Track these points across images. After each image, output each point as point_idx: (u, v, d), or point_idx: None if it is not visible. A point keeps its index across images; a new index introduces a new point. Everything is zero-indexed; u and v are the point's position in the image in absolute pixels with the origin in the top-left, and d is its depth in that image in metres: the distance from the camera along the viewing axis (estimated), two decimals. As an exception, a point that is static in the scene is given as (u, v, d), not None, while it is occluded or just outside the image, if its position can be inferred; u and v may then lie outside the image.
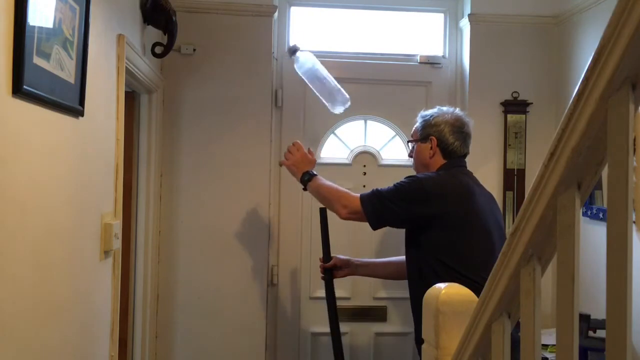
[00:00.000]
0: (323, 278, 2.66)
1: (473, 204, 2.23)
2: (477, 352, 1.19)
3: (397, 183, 2.31)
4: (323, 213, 2.63)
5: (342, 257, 2.70)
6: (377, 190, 2.33)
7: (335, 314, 2.56)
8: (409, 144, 2.51)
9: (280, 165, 2.70)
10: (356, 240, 3.28)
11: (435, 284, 1.49)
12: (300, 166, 2.58)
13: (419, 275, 2.26)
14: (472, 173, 2.44)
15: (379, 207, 2.29)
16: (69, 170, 1.65)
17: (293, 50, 2.90)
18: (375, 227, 2.35)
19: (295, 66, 2.90)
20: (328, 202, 2.48)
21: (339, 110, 2.82)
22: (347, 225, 3.34)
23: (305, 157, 2.59)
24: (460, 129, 2.35)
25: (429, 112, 2.43)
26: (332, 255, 2.68)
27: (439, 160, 2.36)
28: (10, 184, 1.27)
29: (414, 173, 3.32)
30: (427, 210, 2.22)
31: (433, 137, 2.35)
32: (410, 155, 2.52)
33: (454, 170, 2.34)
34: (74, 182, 1.69)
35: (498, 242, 2.24)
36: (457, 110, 2.43)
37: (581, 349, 2.31)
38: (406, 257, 2.40)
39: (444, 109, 2.42)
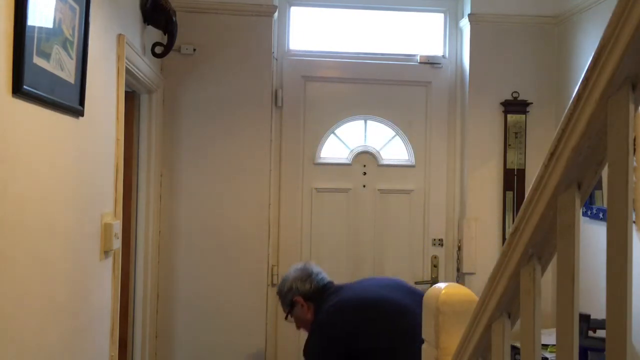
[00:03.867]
0: None
1: (355, 313, 2.29)
2: (477, 352, 1.19)
3: None
4: None
5: None
6: None
7: None
8: (288, 318, 2.58)
9: None
10: (355, 230, 3.28)
11: None
12: None
13: None
14: (336, 290, 2.46)
15: None
16: (69, 170, 1.65)
17: None
18: None
19: None
20: None
21: None
22: (346, 217, 3.35)
23: None
24: (307, 275, 2.52)
25: (278, 286, 2.61)
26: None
27: (312, 308, 2.48)
28: (10, 184, 1.27)
29: (413, 173, 3.36)
30: (341, 351, 2.24)
31: (296, 299, 2.49)
32: (298, 328, 2.59)
33: (321, 309, 2.38)
34: (74, 182, 1.69)
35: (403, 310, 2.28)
36: (295, 265, 2.61)
37: (581, 349, 2.30)
38: None
39: (286, 274, 2.59)
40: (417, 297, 2.31)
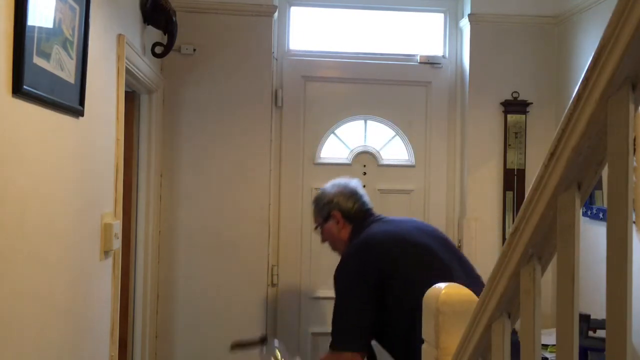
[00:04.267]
0: None
1: (398, 250, 2.17)
2: (477, 352, 1.19)
3: (335, 293, 2.20)
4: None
5: None
6: (332, 324, 2.19)
7: None
8: (317, 230, 2.48)
9: None
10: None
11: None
12: None
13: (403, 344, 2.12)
14: (380, 218, 2.36)
15: (349, 330, 2.14)
16: (69, 170, 1.65)
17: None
18: (364, 346, 2.15)
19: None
20: None
21: None
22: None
23: None
24: (352, 194, 2.40)
25: (317, 195, 2.49)
26: None
27: (348, 228, 2.37)
28: (10, 184, 1.27)
29: (413, 173, 3.36)
30: (375, 283, 2.11)
31: (334, 213, 2.38)
32: (323, 241, 2.48)
33: (364, 232, 2.27)
34: (74, 182, 1.69)
35: (442, 258, 2.17)
36: (338, 180, 2.48)
37: (581, 349, 2.30)
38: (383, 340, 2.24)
39: (327, 185, 2.47)
40: (455, 253, 2.25)
